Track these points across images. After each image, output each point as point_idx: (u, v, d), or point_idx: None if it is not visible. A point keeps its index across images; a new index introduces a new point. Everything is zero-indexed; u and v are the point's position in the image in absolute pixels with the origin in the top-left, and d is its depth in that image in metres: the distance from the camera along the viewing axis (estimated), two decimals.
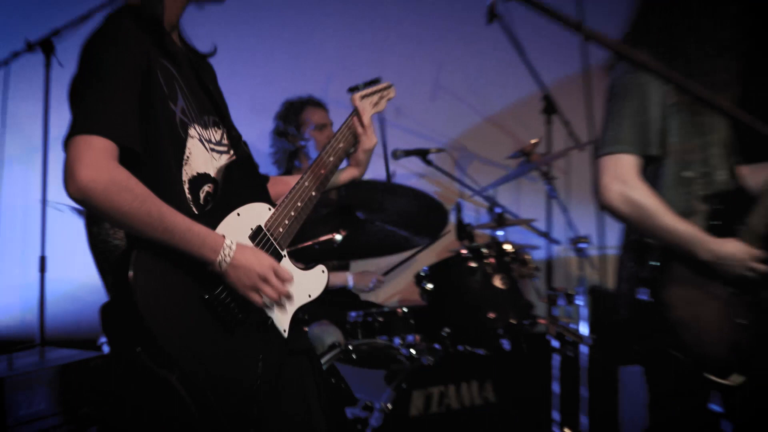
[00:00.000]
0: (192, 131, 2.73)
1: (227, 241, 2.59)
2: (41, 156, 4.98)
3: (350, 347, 4.33)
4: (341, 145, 3.22)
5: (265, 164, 5.71)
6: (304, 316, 4.61)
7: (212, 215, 2.69)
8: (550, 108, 5.82)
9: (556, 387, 5.01)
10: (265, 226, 2.83)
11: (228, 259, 2.58)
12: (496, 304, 4.58)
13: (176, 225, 2.49)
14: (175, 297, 2.50)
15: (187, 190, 2.68)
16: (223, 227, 2.69)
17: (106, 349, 4.68)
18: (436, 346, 4.50)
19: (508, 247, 4.78)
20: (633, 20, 3.54)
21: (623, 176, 3.33)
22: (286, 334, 2.81)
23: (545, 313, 5.12)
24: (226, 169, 2.80)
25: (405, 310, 4.67)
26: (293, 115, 5.55)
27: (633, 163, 3.36)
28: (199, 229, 2.54)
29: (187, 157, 2.69)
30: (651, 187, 3.39)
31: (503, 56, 5.94)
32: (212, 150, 2.82)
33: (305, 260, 3.05)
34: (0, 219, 5.11)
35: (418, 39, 6.23)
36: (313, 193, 3.03)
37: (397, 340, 4.53)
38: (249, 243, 2.74)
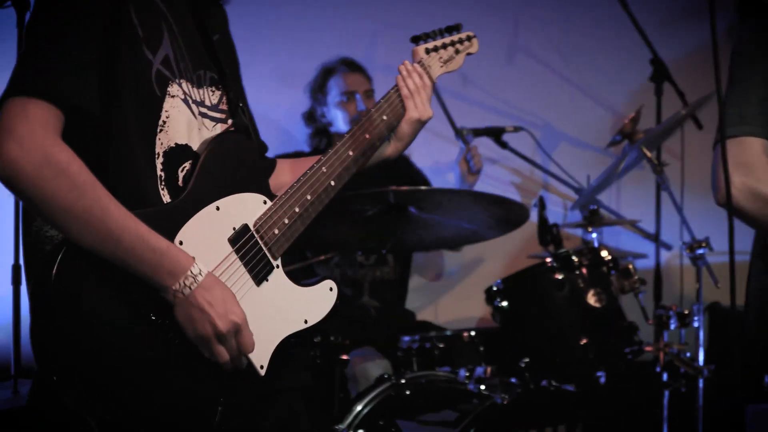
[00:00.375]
0: (174, 88, 2.53)
1: (194, 269, 2.36)
2: None
3: (402, 381, 4.25)
4: (384, 117, 2.98)
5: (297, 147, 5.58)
6: (312, 337, 4.48)
7: (181, 207, 2.47)
8: (660, 74, 5.69)
9: (666, 431, 4.92)
10: (254, 225, 2.60)
11: (187, 291, 2.35)
12: (589, 327, 4.48)
13: (125, 231, 2.29)
14: (111, 311, 2.31)
15: (159, 166, 2.49)
16: (194, 224, 2.45)
17: None
18: (513, 380, 4.36)
19: (605, 253, 4.66)
20: None
21: (750, 165, 3.18)
22: (263, 371, 2.55)
23: (653, 338, 5.05)
24: (212, 144, 2.58)
25: (473, 333, 4.63)
26: (319, 86, 5.53)
27: (762, 148, 3.20)
28: (156, 242, 2.33)
29: (164, 122, 2.50)
30: None
31: (597, 9, 5.97)
32: (203, 115, 2.64)
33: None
34: None
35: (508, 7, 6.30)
36: (332, 183, 2.80)
37: (463, 373, 4.37)
38: (227, 248, 2.52)
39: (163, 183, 2.50)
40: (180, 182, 2.54)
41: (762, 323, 3.38)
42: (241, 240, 2.56)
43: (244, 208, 2.61)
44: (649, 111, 5.73)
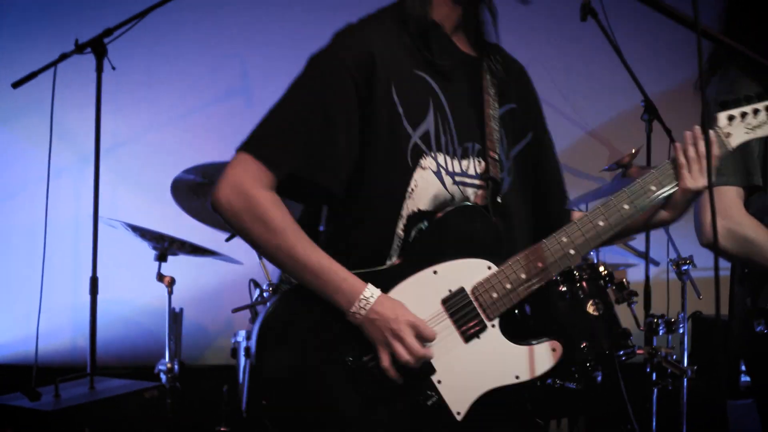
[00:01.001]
0: (427, 161, 2.65)
1: (366, 293, 2.54)
2: (93, 168, 5.08)
3: None
4: (653, 187, 2.79)
5: None
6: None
7: (402, 269, 2.63)
8: (650, 113, 5.81)
9: (655, 423, 5.10)
10: (471, 288, 2.64)
11: (363, 312, 2.54)
12: (589, 333, 4.56)
13: (308, 265, 2.54)
14: (310, 354, 2.57)
15: (401, 226, 2.65)
16: (408, 284, 2.61)
17: (163, 378, 4.86)
18: None
19: (602, 269, 4.64)
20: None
21: (726, 211, 3.36)
22: (459, 417, 2.61)
23: (644, 342, 5.20)
24: (446, 214, 2.66)
25: None
26: None
27: (736, 195, 3.37)
28: (336, 272, 2.55)
29: (412, 189, 2.64)
30: (756, 215, 3.43)
31: (596, 57, 6.09)
32: (461, 184, 2.71)
33: None
34: (49, 235, 5.28)
35: (501, 38, 6.29)
36: (571, 252, 2.71)
37: None
38: (438, 307, 2.62)
39: (400, 241, 2.64)
40: (411, 240, 2.65)
41: (747, 337, 3.51)
42: (454, 300, 2.62)
43: (465, 272, 2.64)
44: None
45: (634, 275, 6.10)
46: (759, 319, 3.48)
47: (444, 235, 2.65)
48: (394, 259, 2.65)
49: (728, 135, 2.82)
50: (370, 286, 2.54)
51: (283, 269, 2.61)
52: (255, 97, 6.42)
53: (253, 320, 4.88)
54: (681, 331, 5.19)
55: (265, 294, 4.71)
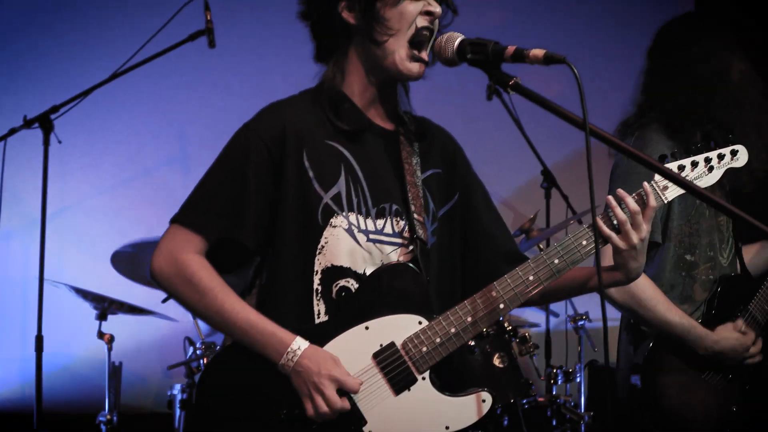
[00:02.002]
0: (338, 220, 2.72)
1: (293, 345, 2.58)
2: (39, 231, 5.12)
3: None
4: (583, 243, 2.73)
5: None
6: None
7: (334, 325, 2.67)
8: (548, 181, 6.09)
9: None
10: (402, 343, 2.65)
11: (291, 363, 2.57)
12: (495, 383, 4.71)
13: (236, 322, 2.62)
14: (247, 407, 2.63)
15: (317, 281, 2.71)
16: (341, 340, 2.64)
17: (103, 429, 4.95)
18: None
19: (506, 324, 4.96)
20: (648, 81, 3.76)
21: None
22: None
23: (545, 390, 5.38)
24: (376, 272, 2.71)
25: None
26: None
27: None
28: (263, 327, 2.61)
29: (322, 246, 2.71)
30: (654, 269, 3.61)
31: (502, 127, 6.16)
32: (376, 242, 2.75)
33: None
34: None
35: (416, 112, 6.43)
36: (501, 306, 2.68)
37: None
38: (369, 361, 2.64)
39: (319, 295, 2.70)
40: (333, 295, 2.70)
41: (627, 385, 3.66)
42: (385, 354, 2.63)
43: (396, 327, 2.65)
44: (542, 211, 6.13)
45: (536, 328, 6.19)
46: (636, 372, 3.65)
47: (375, 291, 2.68)
48: (323, 316, 2.70)
49: (665, 188, 2.76)
50: (298, 338, 2.58)
51: (216, 328, 2.70)
52: (192, 164, 6.53)
53: (188, 375, 4.96)
54: (578, 380, 5.37)
55: (198, 351, 4.80)
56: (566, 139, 6.43)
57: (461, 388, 2.70)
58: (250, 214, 2.69)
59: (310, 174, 2.71)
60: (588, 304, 5.45)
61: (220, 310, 2.63)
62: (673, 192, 2.77)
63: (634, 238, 2.66)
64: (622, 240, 2.67)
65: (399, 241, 2.78)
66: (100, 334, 5.08)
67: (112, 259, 5.30)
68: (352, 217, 2.73)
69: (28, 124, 5.18)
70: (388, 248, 2.76)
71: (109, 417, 5.00)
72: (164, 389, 5.31)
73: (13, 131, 5.24)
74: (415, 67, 2.74)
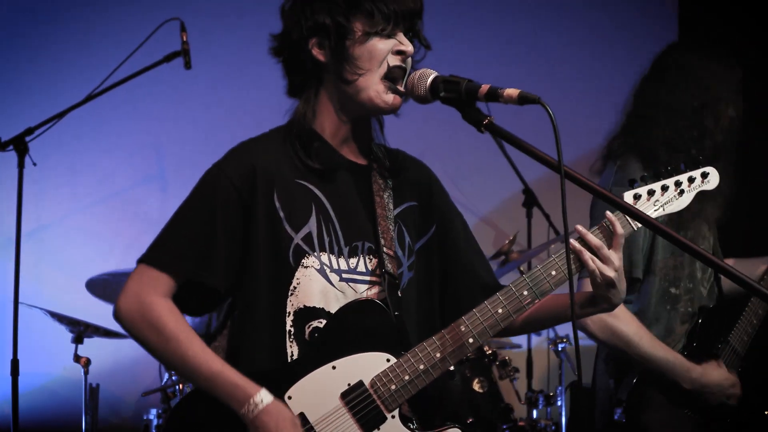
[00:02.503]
0: (310, 260, 2.67)
1: (256, 398, 2.53)
2: (14, 254, 5.03)
3: None
4: (553, 273, 2.67)
5: None
6: None
7: (302, 365, 2.63)
8: (530, 200, 6.10)
9: None
10: (371, 381, 2.61)
11: (251, 416, 2.53)
12: (475, 409, 4.77)
13: (200, 371, 2.56)
14: None
15: (290, 322, 2.66)
16: (309, 380, 2.61)
17: None
18: None
19: (486, 348, 4.96)
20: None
21: None
22: None
23: (525, 414, 5.37)
24: (342, 309, 2.66)
25: None
26: None
27: None
28: (227, 377, 2.56)
29: (294, 287, 2.66)
30: (639, 303, 3.61)
31: (483, 146, 6.10)
32: (349, 281, 2.71)
33: None
34: None
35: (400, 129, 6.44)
36: (470, 341, 2.63)
37: None
38: (337, 402, 2.60)
39: (292, 336, 2.64)
40: (306, 336, 2.65)
41: (608, 420, 3.65)
42: (353, 394, 2.60)
43: (364, 366, 2.61)
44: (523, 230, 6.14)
45: (517, 350, 6.17)
46: (619, 407, 3.61)
47: (342, 330, 2.64)
48: (293, 354, 2.64)
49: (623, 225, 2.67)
50: (262, 391, 2.54)
51: (179, 374, 2.71)
52: (169, 183, 6.46)
53: (163, 400, 4.89)
54: (559, 403, 5.33)
55: (174, 377, 4.73)
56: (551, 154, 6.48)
57: (439, 417, 2.71)
58: (218, 256, 2.63)
59: (281, 214, 2.66)
60: (568, 327, 5.29)
61: (183, 357, 2.58)
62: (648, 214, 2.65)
63: (607, 272, 2.60)
64: (598, 276, 2.61)
65: (371, 279, 2.73)
66: (77, 358, 5.00)
67: (88, 284, 5.25)
68: (324, 257, 2.68)
69: (2, 146, 5.08)
70: (362, 287, 2.72)
71: None
72: (140, 412, 5.24)
73: None
74: (390, 98, 2.67)
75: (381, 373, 2.60)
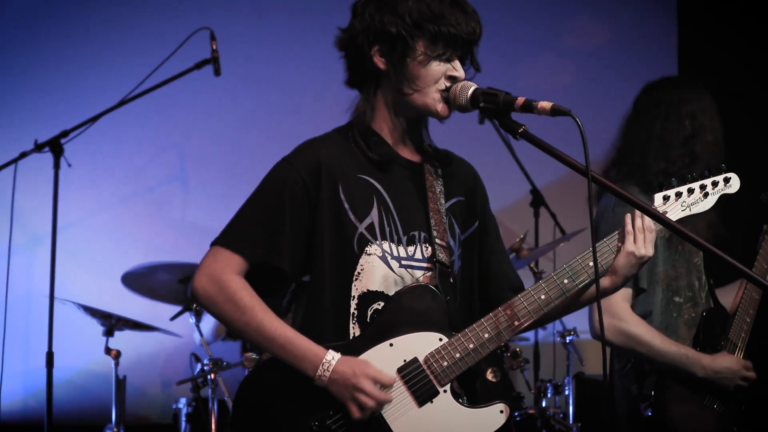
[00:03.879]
0: (373, 248, 2.81)
1: (327, 356, 2.67)
2: (49, 250, 5.19)
3: None
4: (591, 264, 2.84)
5: None
6: None
7: (362, 342, 2.76)
8: (537, 201, 6.23)
9: None
10: (425, 358, 2.74)
11: (327, 374, 2.66)
12: (488, 398, 4.83)
13: (275, 338, 2.70)
14: (280, 422, 2.71)
15: (354, 305, 2.80)
16: (367, 356, 2.72)
17: None
18: None
19: None
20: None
21: (614, 310, 3.66)
22: None
23: (534, 403, 5.47)
24: (399, 293, 2.80)
25: None
26: None
27: (623, 296, 3.66)
28: (299, 342, 2.70)
29: (359, 272, 2.80)
30: (644, 313, 3.76)
31: (493, 150, 6.33)
32: (407, 267, 2.85)
33: None
34: (8, 309, 5.43)
35: None
36: (515, 323, 2.80)
37: None
38: (395, 375, 2.72)
39: (355, 319, 2.78)
40: (368, 319, 2.78)
41: (634, 421, 3.81)
42: (408, 369, 2.73)
43: (418, 344, 2.74)
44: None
45: (526, 342, 6.28)
46: (644, 402, 3.79)
47: (398, 311, 2.77)
48: (355, 332, 2.78)
49: (664, 213, 2.88)
50: (330, 351, 2.68)
51: (253, 343, 2.83)
52: (191, 182, 6.58)
53: (193, 390, 5.00)
54: (567, 392, 5.47)
55: (206, 368, 4.84)
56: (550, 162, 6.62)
57: (485, 394, 2.89)
58: (286, 242, 2.77)
59: (346, 206, 2.80)
60: (575, 320, 5.48)
61: (259, 326, 2.72)
62: (675, 215, 2.91)
63: (644, 250, 2.84)
64: (636, 253, 2.83)
65: (427, 266, 2.87)
66: (107, 350, 5.10)
67: (123, 278, 5.35)
68: (386, 245, 2.82)
69: (39, 148, 5.23)
70: (419, 272, 2.86)
71: (116, 430, 5.05)
72: (169, 403, 5.33)
73: (23, 155, 5.28)
74: (440, 107, 2.81)
75: (434, 350, 2.74)
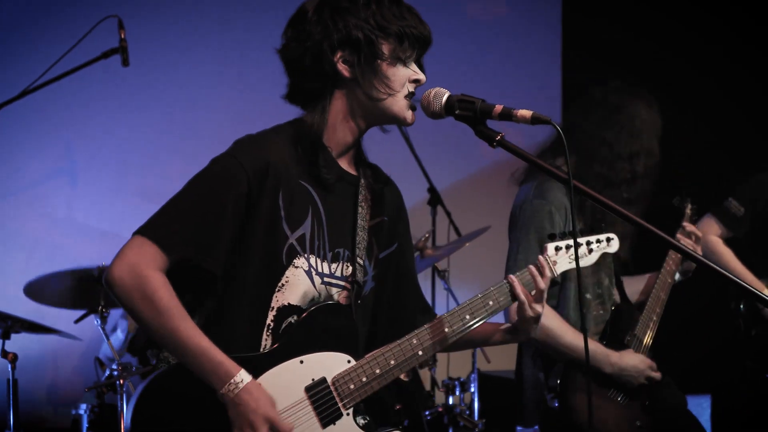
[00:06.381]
0: (300, 261, 2.69)
1: (237, 377, 2.51)
2: None
3: None
4: (490, 302, 2.85)
5: None
6: None
7: (272, 356, 2.64)
8: (434, 200, 6.14)
9: None
10: (332, 379, 2.68)
11: (231, 395, 2.51)
12: (401, 396, 4.78)
13: (188, 346, 2.52)
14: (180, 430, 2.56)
15: (271, 317, 2.67)
16: (278, 371, 2.62)
17: None
18: None
19: None
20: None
21: None
22: None
23: (443, 400, 5.43)
24: (314, 310, 2.71)
25: None
26: None
27: None
28: (212, 355, 2.52)
29: (282, 284, 2.68)
30: (559, 307, 3.83)
31: (393, 148, 6.21)
32: (328, 284, 2.76)
33: None
34: None
35: None
36: (419, 353, 2.77)
37: None
38: (302, 394, 2.64)
39: (269, 331, 2.66)
40: (281, 331, 2.66)
41: (540, 409, 3.90)
42: (316, 389, 2.64)
43: (328, 364, 2.67)
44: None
45: None
46: (550, 393, 3.85)
47: (312, 328, 2.68)
48: (266, 347, 2.66)
49: (555, 263, 2.93)
50: (242, 371, 2.53)
51: (165, 347, 2.61)
52: (79, 176, 6.20)
53: (97, 396, 4.70)
54: (472, 390, 5.46)
55: (114, 373, 4.55)
56: (458, 159, 6.56)
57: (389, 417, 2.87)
58: (222, 246, 2.61)
59: (282, 213, 2.67)
60: None
61: (173, 331, 2.53)
62: (562, 266, 2.96)
63: (537, 307, 2.83)
64: (528, 310, 2.82)
65: (344, 284, 2.80)
66: (4, 353, 4.70)
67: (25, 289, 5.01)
68: (312, 259, 2.72)
69: None
70: (335, 290, 2.78)
71: None
72: (68, 407, 5.01)
73: None
74: (410, 115, 2.76)
75: (342, 372, 2.68)
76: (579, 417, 3.74)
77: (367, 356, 2.71)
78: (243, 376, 2.52)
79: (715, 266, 2.37)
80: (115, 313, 5.17)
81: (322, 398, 2.65)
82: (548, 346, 3.78)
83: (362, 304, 2.82)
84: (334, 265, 2.76)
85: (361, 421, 2.71)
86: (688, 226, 4.20)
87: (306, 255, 2.69)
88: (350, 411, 2.68)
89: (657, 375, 3.89)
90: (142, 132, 6.13)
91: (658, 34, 6.61)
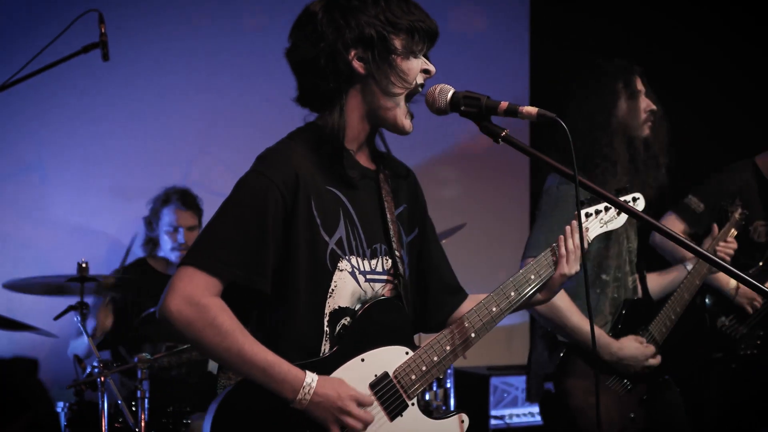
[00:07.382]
0: (344, 264, 2.72)
1: (307, 379, 2.57)
2: None
3: None
4: (532, 276, 2.95)
5: None
6: None
7: (334, 359, 2.68)
8: None
9: None
10: (394, 372, 2.73)
11: (308, 397, 2.56)
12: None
13: (256, 362, 2.55)
14: None
15: (326, 323, 2.70)
16: (341, 372, 2.66)
17: None
18: None
19: None
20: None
21: None
22: None
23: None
24: (367, 308, 2.74)
25: None
26: (154, 210, 5.29)
27: None
28: (280, 367, 2.56)
29: (332, 290, 2.71)
30: (573, 286, 3.83)
31: None
32: (371, 280, 2.79)
33: None
34: None
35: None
36: (472, 335, 2.83)
37: None
38: (368, 391, 2.68)
39: (327, 337, 2.68)
40: (336, 335, 2.70)
41: (539, 390, 4.00)
42: (380, 384, 2.69)
43: (387, 358, 2.72)
44: None
45: None
46: (548, 379, 3.96)
47: (367, 325, 2.72)
48: (325, 352, 2.69)
49: (587, 229, 3.03)
50: (308, 372, 2.57)
51: (231, 368, 2.62)
52: (49, 173, 6.05)
53: (76, 393, 4.62)
54: (448, 385, 5.48)
55: (95, 371, 4.44)
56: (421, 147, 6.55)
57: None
58: (268, 263, 2.63)
59: (318, 221, 2.69)
60: None
61: (240, 350, 2.56)
62: (594, 231, 3.07)
63: (574, 268, 2.96)
64: (567, 267, 2.95)
65: (386, 278, 2.83)
66: None
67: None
68: (354, 260, 2.75)
69: None
70: (378, 285, 2.81)
71: None
72: None
73: None
74: (407, 123, 2.78)
75: (402, 364, 2.73)
76: (572, 401, 3.85)
77: (423, 345, 2.77)
78: (312, 376, 2.57)
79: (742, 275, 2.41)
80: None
81: (387, 392, 2.70)
82: (555, 325, 3.87)
83: (407, 294, 2.86)
84: (374, 261, 2.79)
85: (424, 409, 2.78)
86: (729, 236, 4.28)
87: (347, 257, 2.72)
88: (414, 401, 2.75)
89: (655, 362, 3.97)
90: (119, 127, 5.96)
91: (632, 24, 6.68)
